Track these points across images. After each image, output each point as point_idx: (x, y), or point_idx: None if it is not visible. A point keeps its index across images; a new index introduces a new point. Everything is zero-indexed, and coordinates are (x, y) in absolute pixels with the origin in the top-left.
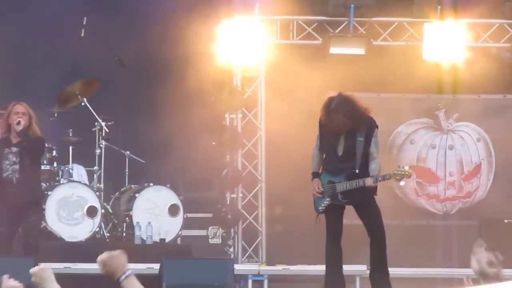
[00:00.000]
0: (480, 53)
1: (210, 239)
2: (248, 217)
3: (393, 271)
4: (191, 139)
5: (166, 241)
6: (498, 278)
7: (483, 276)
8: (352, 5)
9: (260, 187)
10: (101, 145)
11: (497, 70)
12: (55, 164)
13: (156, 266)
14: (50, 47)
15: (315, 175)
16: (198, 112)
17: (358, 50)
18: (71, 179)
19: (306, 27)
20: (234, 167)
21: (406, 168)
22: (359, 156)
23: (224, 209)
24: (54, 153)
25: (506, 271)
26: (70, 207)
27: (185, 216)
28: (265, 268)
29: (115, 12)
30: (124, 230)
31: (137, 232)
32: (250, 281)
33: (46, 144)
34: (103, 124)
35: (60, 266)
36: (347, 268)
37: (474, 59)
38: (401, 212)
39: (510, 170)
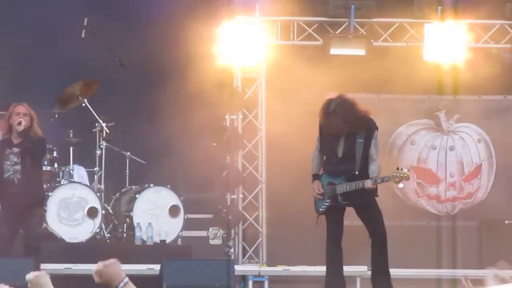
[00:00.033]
0: (481, 54)
1: (210, 240)
2: (249, 218)
3: (393, 272)
4: (192, 140)
5: (167, 242)
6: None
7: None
8: (353, 6)
9: (260, 188)
10: (101, 146)
11: (498, 71)
12: (55, 165)
13: (157, 267)
14: (51, 48)
15: (315, 177)
16: (198, 113)
17: (359, 51)
18: (72, 180)
19: (307, 28)
20: (234, 168)
21: (405, 170)
22: (359, 157)
23: (224, 210)
24: (55, 154)
25: (508, 272)
26: (71, 208)
27: (185, 217)
28: (266, 269)
29: (115, 13)
30: (125, 231)
31: (137, 233)
32: (250, 282)
33: (47, 145)
34: (103, 125)
35: (61, 267)
36: (347, 269)
37: (474, 60)
38: (402, 213)
39: (510, 171)
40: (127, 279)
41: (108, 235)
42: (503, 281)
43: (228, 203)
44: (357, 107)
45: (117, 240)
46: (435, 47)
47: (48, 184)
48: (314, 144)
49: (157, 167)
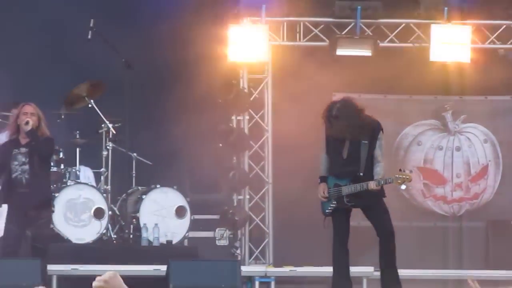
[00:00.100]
0: (487, 55)
1: (217, 241)
2: (255, 218)
3: (399, 272)
4: (198, 141)
5: (173, 242)
6: None
7: None
8: (359, 7)
9: (267, 188)
10: (108, 147)
11: (504, 72)
12: (62, 166)
13: (163, 268)
14: (57, 49)
15: (323, 179)
16: (204, 114)
17: (365, 52)
18: (78, 181)
19: (313, 29)
20: (241, 169)
21: (407, 172)
22: (364, 159)
23: (231, 211)
24: (61, 155)
25: None
26: (77, 209)
27: (192, 218)
28: (272, 270)
29: (121, 14)
30: (131, 231)
31: (144, 234)
32: (257, 283)
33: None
34: (110, 126)
35: (68, 268)
36: (354, 270)
37: (481, 60)
38: (408, 214)
39: None
40: None
41: (115, 236)
42: None
43: (235, 204)
44: (360, 113)
45: (124, 241)
46: (442, 48)
47: (55, 185)
48: (320, 145)
49: (163, 168)
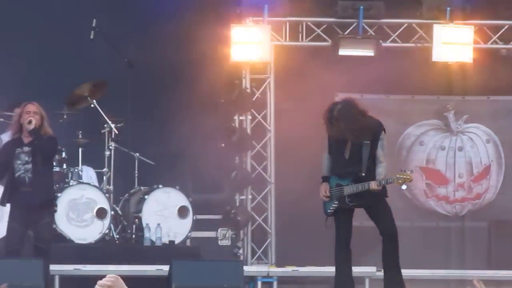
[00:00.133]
0: (490, 55)
1: (219, 241)
2: (258, 218)
3: (402, 272)
4: (200, 141)
5: (176, 243)
6: None
7: None
8: (361, 7)
9: (269, 188)
10: (110, 147)
11: (507, 72)
12: (64, 166)
13: (166, 268)
14: (59, 49)
15: (325, 179)
16: (207, 114)
17: (367, 52)
18: (81, 181)
19: (315, 29)
20: (243, 169)
21: (408, 172)
22: (366, 159)
23: (233, 211)
24: (64, 154)
25: None
26: (80, 209)
27: (194, 218)
28: (275, 270)
29: (123, 14)
30: (134, 232)
31: (146, 234)
32: (259, 283)
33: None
34: (112, 125)
35: (70, 268)
36: (356, 270)
37: (483, 60)
38: (411, 214)
39: None
40: None
41: (117, 236)
42: None
43: (237, 204)
44: (361, 115)
45: (126, 241)
46: (444, 48)
47: (57, 185)
48: (323, 145)
49: (166, 168)
